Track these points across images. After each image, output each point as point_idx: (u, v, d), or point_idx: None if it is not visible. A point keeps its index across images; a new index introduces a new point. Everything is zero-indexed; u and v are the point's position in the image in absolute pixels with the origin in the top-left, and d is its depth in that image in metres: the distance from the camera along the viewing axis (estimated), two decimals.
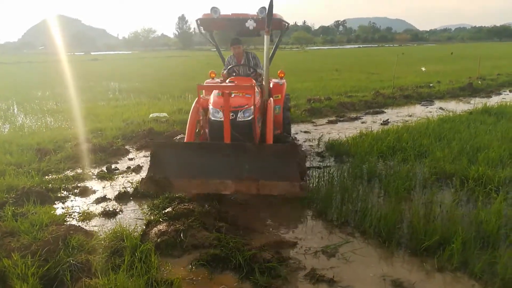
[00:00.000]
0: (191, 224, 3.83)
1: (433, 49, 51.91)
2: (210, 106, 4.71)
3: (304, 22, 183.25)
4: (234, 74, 6.14)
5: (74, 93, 14.34)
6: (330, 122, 9.42)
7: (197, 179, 3.94)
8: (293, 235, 3.89)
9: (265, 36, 5.00)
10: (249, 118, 4.59)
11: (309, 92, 13.29)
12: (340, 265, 3.37)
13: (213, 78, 6.43)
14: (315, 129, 8.66)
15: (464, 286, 3.05)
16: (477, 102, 11.50)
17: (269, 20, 4.86)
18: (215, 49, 7.27)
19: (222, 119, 4.35)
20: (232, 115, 4.47)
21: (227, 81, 5.61)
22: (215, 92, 4.96)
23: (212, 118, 4.59)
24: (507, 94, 13.79)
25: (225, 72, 6.16)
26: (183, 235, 3.66)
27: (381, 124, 9.05)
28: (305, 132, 8.42)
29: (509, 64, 22.93)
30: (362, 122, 9.36)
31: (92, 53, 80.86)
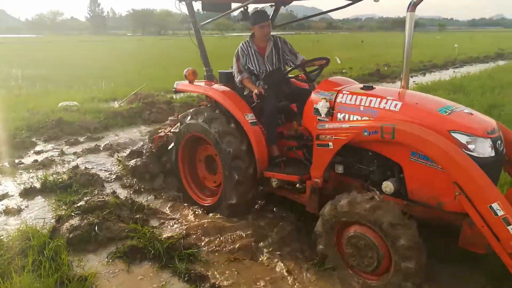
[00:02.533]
0: (106, 216, 3.68)
1: (346, 37, 54.87)
2: (460, 134, 2.72)
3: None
4: (259, 83, 3.99)
5: None
6: None
7: None
8: (215, 219, 3.93)
9: (409, 13, 3.02)
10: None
11: None
12: None
13: (191, 82, 4.26)
14: None
15: None
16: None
17: None
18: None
19: (493, 154, 2.71)
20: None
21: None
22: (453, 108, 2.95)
23: (475, 154, 2.66)
24: (413, 80, 15.16)
25: (245, 77, 3.93)
26: (98, 229, 3.51)
27: None
28: None
29: (412, 52, 25.10)
30: None
31: None
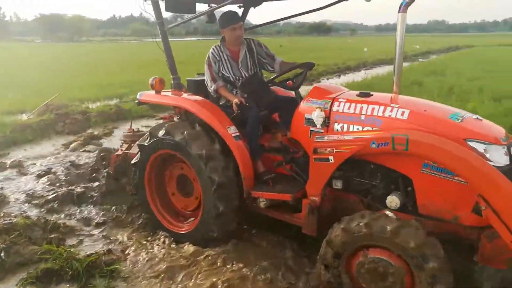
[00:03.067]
0: (14, 240, 3.34)
1: (266, 42, 56.22)
2: (476, 142, 2.54)
3: (141, 13, 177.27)
4: (236, 91, 3.67)
5: None
6: None
7: None
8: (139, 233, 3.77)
9: (400, 14, 2.77)
10: None
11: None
12: None
13: (158, 92, 3.77)
14: None
15: None
16: (301, 90, 12.98)
17: None
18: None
19: (508, 162, 2.56)
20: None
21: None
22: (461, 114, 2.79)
23: (492, 163, 2.46)
24: (325, 82, 15.97)
25: (220, 85, 3.62)
26: (4, 254, 3.18)
27: None
28: None
29: (326, 56, 26.38)
30: None
31: None
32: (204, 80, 3.75)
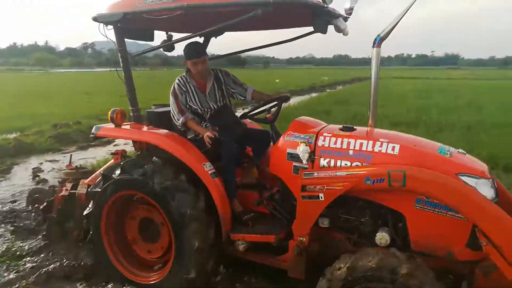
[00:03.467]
0: None
1: (180, 72, 56.23)
2: (467, 177, 2.52)
3: (47, 42, 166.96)
4: (206, 124, 3.49)
5: None
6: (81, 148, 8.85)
7: None
8: None
9: (375, 49, 2.76)
10: None
11: (56, 117, 12.10)
12: None
13: (118, 125, 3.46)
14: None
15: None
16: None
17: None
18: None
19: (495, 196, 2.55)
20: None
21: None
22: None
23: None
24: (304, 117, 16.34)
25: (189, 117, 3.41)
26: None
27: None
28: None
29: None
30: (115, 145, 9.17)
31: None
32: (165, 112, 3.58)
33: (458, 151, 2.80)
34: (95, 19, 3.22)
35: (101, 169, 3.79)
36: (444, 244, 2.57)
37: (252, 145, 3.54)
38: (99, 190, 3.23)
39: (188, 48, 3.39)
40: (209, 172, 3.06)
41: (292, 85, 28.93)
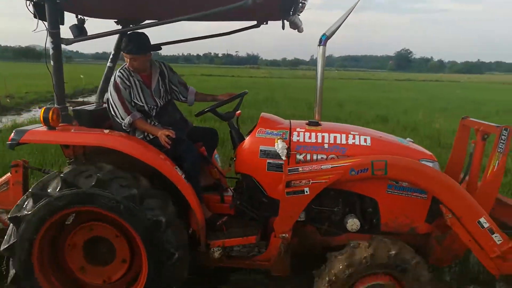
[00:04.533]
0: None
1: None
2: (427, 161, 2.91)
3: None
4: (153, 122, 3.12)
5: None
6: None
7: None
8: None
9: (321, 48, 2.85)
10: None
11: None
12: None
13: (52, 128, 2.79)
14: None
15: None
16: (8, 120, 11.22)
17: None
18: None
19: None
20: None
21: None
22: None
23: None
24: (37, 111, 14.33)
25: (138, 116, 3.04)
26: None
27: None
28: None
29: (37, 83, 23.84)
30: None
31: None
32: (97, 110, 3.25)
33: (409, 140, 3.19)
34: None
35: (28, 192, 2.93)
36: (409, 221, 2.93)
37: (202, 143, 3.32)
38: (27, 213, 2.60)
39: (129, 40, 3.01)
40: (182, 176, 2.84)
41: (99, 81, 27.05)
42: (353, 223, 2.87)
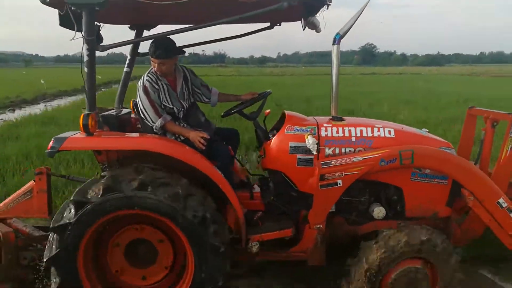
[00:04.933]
0: None
1: None
2: (446, 149, 3.15)
3: None
4: (183, 125, 3.25)
5: None
6: None
7: None
8: None
9: (335, 46, 3.00)
10: None
11: None
12: None
13: (90, 134, 2.79)
14: None
15: None
16: None
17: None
18: None
19: None
20: None
21: None
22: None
23: None
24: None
25: (168, 119, 3.14)
26: None
27: None
28: None
29: None
30: None
31: None
32: (123, 115, 3.36)
33: (426, 130, 3.36)
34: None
35: (18, 195, 3.12)
36: (431, 206, 3.11)
37: (227, 144, 3.42)
38: (70, 221, 2.59)
39: (157, 45, 3.07)
40: (222, 175, 2.92)
41: (63, 85, 26.21)
42: (379, 211, 3.02)
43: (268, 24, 3.71)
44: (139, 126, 3.44)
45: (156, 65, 3.13)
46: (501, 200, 2.95)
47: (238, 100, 3.58)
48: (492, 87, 24.27)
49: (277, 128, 3.30)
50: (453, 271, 2.85)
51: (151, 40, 3.15)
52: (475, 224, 3.16)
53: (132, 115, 3.63)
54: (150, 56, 3.15)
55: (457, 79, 32.95)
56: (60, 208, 2.74)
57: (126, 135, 3.09)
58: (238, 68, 79.03)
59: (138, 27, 3.70)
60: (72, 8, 2.63)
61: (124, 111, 3.63)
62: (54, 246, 2.64)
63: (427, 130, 3.39)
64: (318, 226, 2.99)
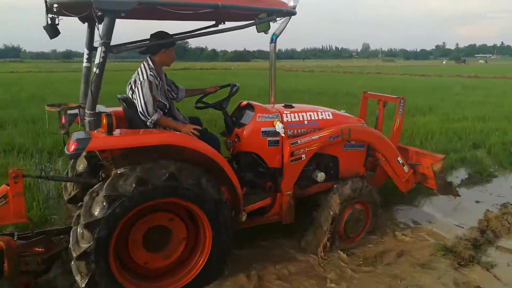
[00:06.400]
0: None
1: None
2: (363, 124, 4.41)
3: None
4: (170, 118, 3.58)
5: None
6: None
7: None
8: None
9: (272, 45, 3.66)
10: None
11: None
12: None
13: (110, 133, 2.84)
14: None
15: None
16: None
17: None
18: None
19: None
20: None
21: None
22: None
23: None
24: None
25: (161, 114, 3.42)
26: None
27: None
28: None
29: None
30: None
31: None
32: (117, 113, 3.37)
33: (344, 111, 4.36)
34: (89, 4, 2.58)
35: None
36: (355, 168, 4.14)
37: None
38: (103, 216, 2.70)
39: (164, 36, 3.34)
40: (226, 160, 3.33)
41: None
42: (321, 176, 3.85)
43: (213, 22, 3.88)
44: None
45: (169, 54, 3.47)
46: (399, 159, 4.18)
47: (202, 93, 4.07)
48: (286, 81, 27.51)
49: (236, 116, 3.94)
50: (379, 207, 4.06)
51: (159, 34, 3.39)
52: (380, 177, 4.40)
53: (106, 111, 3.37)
54: (170, 47, 3.44)
55: (260, 73, 36.30)
56: (85, 206, 2.78)
57: (143, 132, 3.20)
58: (38, 64, 69.87)
59: (89, 20, 3.52)
60: (98, 13, 2.66)
61: (100, 108, 3.44)
62: (82, 242, 2.74)
63: (345, 111, 4.39)
64: (289, 192, 3.70)
